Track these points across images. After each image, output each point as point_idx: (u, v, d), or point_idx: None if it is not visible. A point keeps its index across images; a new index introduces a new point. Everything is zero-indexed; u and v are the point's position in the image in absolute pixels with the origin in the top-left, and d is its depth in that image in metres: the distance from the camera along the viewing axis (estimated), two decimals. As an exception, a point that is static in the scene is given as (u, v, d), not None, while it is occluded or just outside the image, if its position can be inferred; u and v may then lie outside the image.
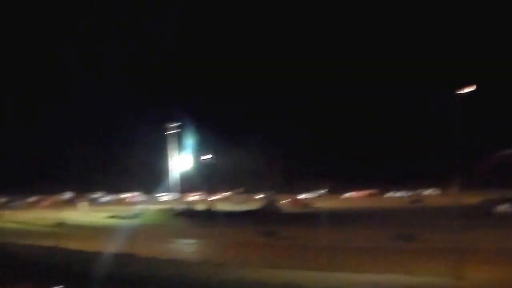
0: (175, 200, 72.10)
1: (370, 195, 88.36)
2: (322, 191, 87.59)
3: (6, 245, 28.02)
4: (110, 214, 53.99)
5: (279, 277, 17.72)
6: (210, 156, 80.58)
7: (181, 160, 73.18)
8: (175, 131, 72.29)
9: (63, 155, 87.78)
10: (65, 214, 40.92)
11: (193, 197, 79.81)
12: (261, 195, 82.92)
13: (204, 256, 23.80)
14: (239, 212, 54.12)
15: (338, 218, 38.13)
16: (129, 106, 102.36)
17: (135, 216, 48.99)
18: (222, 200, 74.13)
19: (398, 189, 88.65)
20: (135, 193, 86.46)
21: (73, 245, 26.70)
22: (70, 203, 74.18)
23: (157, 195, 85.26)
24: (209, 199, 76.27)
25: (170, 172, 73.12)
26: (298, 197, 77.63)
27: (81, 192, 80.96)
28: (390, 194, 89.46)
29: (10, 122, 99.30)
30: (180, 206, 65.03)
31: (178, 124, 72.87)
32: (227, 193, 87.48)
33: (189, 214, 55.88)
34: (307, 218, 43.84)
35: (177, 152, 72.89)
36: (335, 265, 19.14)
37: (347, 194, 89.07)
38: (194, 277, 17.91)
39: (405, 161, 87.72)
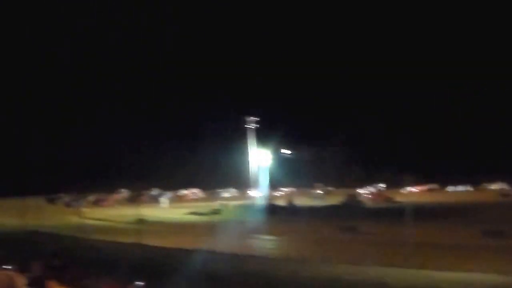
0: (254, 195, 72.53)
1: (430, 190, 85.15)
2: (381, 186, 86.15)
3: (87, 241, 28.62)
4: (190, 210, 55.05)
5: (361, 273, 17.34)
6: (289, 151, 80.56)
7: (261, 155, 73.50)
8: (254, 126, 72.71)
9: (139, 152, 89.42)
10: (145, 210, 41.62)
11: (273, 192, 79.90)
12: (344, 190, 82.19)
13: (286, 252, 23.64)
14: (320, 207, 53.62)
15: (423, 213, 36.86)
16: (208, 101, 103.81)
17: (215, 212, 49.53)
18: (302, 195, 73.66)
19: (455, 184, 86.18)
20: (195, 190, 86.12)
21: (154, 241, 26.91)
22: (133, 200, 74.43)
23: (237, 191, 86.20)
24: (289, 195, 76.23)
25: (249, 168, 73.61)
26: (380, 191, 76.04)
27: (169, 188, 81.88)
28: (451, 189, 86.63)
29: (81, 119, 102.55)
30: (260, 202, 65.35)
31: (257, 119, 73.27)
32: (307, 188, 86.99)
33: (270, 210, 55.96)
34: (390, 212, 42.68)
35: (256, 147, 73.25)
36: (419, 262, 18.43)
37: (408, 189, 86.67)
38: (276, 273, 17.81)
39: (461, 155, 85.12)
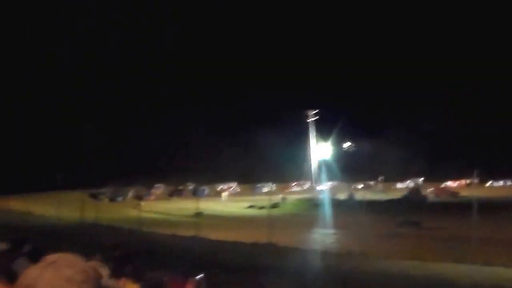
0: (314, 189, 72.24)
1: (468, 184, 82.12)
2: (419, 180, 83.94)
3: (147, 234, 28.83)
4: (249, 204, 55.35)
5: (424, 269, 16.93)
6: (349, 144, 79.78)
7: (320, 148, 73.10)
8: (314, 118, 72.40)
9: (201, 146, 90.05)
10: (203, 204, 41.95)
11: (333, 186, 79.30)
12: (405, 184, 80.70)
13: (345, 247, 23.36)
14: (382, 201, 52.80)
15: (487, 208, 35.60)
16: (267, 94, 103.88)
17: (274, 205, 49.65)
18: (363, 189, 72.79)
19: (495, 179, 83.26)
20: (232, 184, 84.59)
21: (212, 235, 26.93)
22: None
23: (295, 184, 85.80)
24: (349, 188, 75.46)
25: (309, 161, 73.38)
26: (443, 185, 74.20)
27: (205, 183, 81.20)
28: (491, 184, 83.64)
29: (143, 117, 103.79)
30: (319, 195, 65.02)
31: (317, 111, 72.87)
32: (369, 181, 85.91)
33: (330, 204, 55.60)
34: (454, 207, 41.46)
35: (317, 140, 72.89)
36: (484, 259, 17.77)
37: (447, 183, 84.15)
38: (336, 268, 17.65)
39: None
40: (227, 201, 66.59)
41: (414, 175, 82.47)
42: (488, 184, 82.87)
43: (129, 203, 55.78)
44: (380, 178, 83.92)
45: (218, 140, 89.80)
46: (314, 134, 71.89)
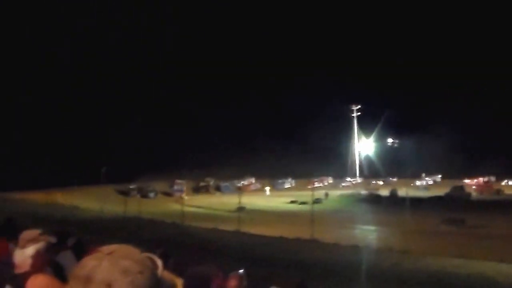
0: (357, 184, 71.89)
1: (486, 183, 79.70)
2: (438, 177, 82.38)
3: (189, 228, 29.02)
4: (291, 199, 55.49)
5: (466, 267, 16.86)
6: (393, 140, 78.99)
7: (364, 144, 72.65)
8: (357, 114, 71.98)
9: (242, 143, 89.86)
10: (245, 198, 42.04)
11: (376, 182, 78.72)
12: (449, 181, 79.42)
13: (387, 243, 23.36)
14: (425, 198, 52.24)
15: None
16: (311, 90, 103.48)
17: (317, 201, 49.75)
18: (405, 185, 72.07)
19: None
20: (252, 179, 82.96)
21: (254, 229, 26.97)
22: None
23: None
24: (391, 184, 74.78)
25: (353, 156, 72.99)
26: (487, 182, 72.67)
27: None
28: (506, 182, 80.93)
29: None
30: (362, 191, 64.73)
31: (360, 107, 72.40)
32: (411, 177, 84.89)
33: (372, 200, 55.38)
34: (499, 205, 40.77)
35: (360, 136, 72.48)
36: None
37: (465, 181, 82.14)
38: (377, 265, 17.73)
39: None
40: (270, 196, 66.74)
41: (458, 172, 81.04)
42: (503, 182, 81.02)
43: (162, 198, 56.20)
44: (423, 175, 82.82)
45: (252, 138, 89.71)
46: (359, 129, 71.44)
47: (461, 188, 60.51)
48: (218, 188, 73.97)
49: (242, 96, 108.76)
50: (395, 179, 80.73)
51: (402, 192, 55.08)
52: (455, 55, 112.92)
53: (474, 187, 67.99)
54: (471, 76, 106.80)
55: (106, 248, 1.50)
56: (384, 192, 61.09)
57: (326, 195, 60.08)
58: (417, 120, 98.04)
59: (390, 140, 76.88)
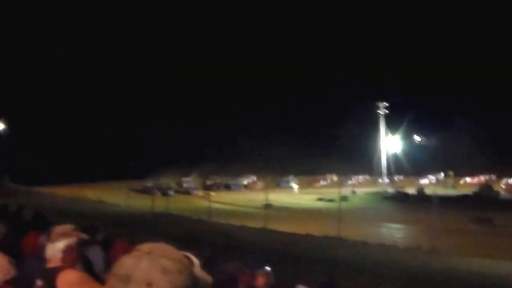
0: (384, 182, 71.38)
1: (486, 181, 78.01)
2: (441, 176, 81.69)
3: (216, 225, 29.14)
4: (318, 196, 55.42)
5: (494, 267, 16.82)
6: (420, 137, 78.14)
7: (390, 142, 72.03)
8: (383, 111, 71.38)
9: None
10: (272, 195, 41.93)
11: (403, 180, 78.07)
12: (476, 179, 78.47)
13: (415, 242, 23.31)
14: (452, 196, 51.72)
15: None
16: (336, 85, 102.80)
17: (343, 198, 49.61)
18: (433, 184, 71.27)
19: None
20: (253, 177, 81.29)
21: (281, 227, 27.01)
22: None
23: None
24: (419, 183, 74.14)
25: (379, 154, 72.41)
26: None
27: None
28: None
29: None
30: (389, 189, 64.34)
31: (387, 104, 71.74)
32: (439, 176, 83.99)
33: (399, 198, 55.04)
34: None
35: (386, 133, 71.90)
36: None
37: (465, 179, 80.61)
38: (404, 264, 17.76)
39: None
40: (297, 193, 66.67)
41: (486, 170, 79.91)
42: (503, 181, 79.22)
43: (179, 196, 56.23)
44: (450, 173, 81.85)
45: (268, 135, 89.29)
46: (386, 126, 70.91)
47: (490, 187, 59.73)
48: (227, 187, 73.83)
49: (268, 95, 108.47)
50: (401, 177, 79.88)
51: (429, 190, 54.62)
52: (481, 54, 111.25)
53: (503, 186, 66.98)
54: (499, 74, 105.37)
55: (145, 247, 1.50)
56: (411, 190, 60.61)
57: (353, 192, 59.94)
58: (444, 117, 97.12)
59: (417, 138, 75.87)
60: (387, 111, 70.64)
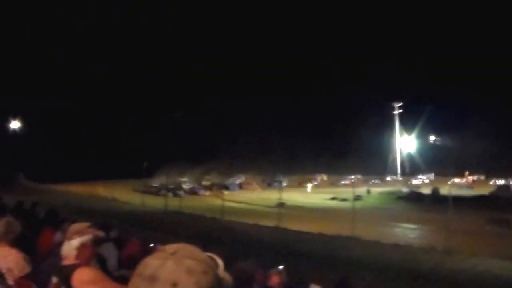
0: (398, 182, 71.03)
1: (474, 181, 76.97)
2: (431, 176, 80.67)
3: (229, 223, 29.09)
4: (331, 195, 55.26)
5: (511, 269, 16.59)
6: (436, 138, 77.71)
7: (405, 141, 71.73)
8: (399, 111, 71.08)
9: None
10: (285, 194, 41.80)
11: (418, 180, 77.61)
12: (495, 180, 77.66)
13: (429, 243, 23.10)
14: (468, 197, 51.27)
15: None
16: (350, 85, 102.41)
17: (357, 198, 49.46)
18: (448, 184, 70.77)
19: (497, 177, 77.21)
20: (242, 177, 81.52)
21: (294, 226, 26.93)
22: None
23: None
24: (434, 182, 73.65)
25: (394, 154, 72.12)
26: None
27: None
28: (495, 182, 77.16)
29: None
30: (404, 189, 63.99)
31: (402, 104, 71.42)
32: (454, 176, 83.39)
33: (414, 198, 54.71)
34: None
35: (401, 133, 71.59)
36: None
37: (454, 180, 79.63)
38: (419, 264, 17.60)
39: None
40: (310, 192, 66.59)
41: (501, 170, 79.20)
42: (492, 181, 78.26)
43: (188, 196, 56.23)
44: (466, 173, 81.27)
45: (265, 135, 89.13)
46: (400, 126, 70.56)
47: (507, 187, 59.15)
48: (225, 187, 73.86)
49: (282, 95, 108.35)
50: (400, 178, 79.23)
51: (444, 190, 54.18)
52: (496, 54, 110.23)
53: None
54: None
55: (170, 248, 1.50)
56: (426, 190, 60.21)
57: (368, 192, 59.71)
58: (459, 117, 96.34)
59: (433, 138, 75.46)
60: (400, 111, 70.26)
